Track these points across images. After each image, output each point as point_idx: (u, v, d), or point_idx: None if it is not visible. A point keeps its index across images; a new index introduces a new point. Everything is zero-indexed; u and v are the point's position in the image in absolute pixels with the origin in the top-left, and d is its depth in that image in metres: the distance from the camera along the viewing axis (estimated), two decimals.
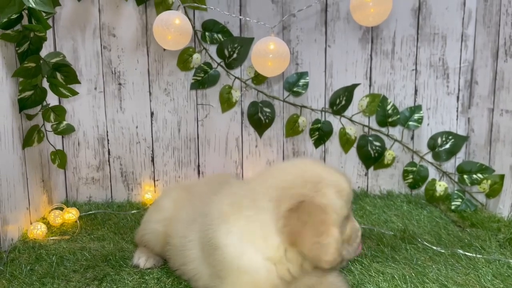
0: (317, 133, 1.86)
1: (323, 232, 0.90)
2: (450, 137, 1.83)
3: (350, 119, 1.86)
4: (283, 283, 0.95)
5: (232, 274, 0.94)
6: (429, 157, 1.86)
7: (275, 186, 0.95)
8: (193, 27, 1.75)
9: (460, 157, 1.88)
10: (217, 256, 0.96)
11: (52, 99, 1.64)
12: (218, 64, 1.81)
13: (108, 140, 1.85)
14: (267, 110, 1.84)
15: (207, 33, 1.78)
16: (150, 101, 1.84)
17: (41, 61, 1.44)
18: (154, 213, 1.30)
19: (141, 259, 1.25)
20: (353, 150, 1.89)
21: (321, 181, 0.96)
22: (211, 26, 1.78)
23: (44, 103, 1.56)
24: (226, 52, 1.79)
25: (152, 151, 1.87)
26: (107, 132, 1.85)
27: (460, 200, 1.71)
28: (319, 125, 1.85)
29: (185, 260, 1.08)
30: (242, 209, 0.96)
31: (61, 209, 1.66)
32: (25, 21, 1.41)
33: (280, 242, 0.92)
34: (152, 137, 1.87)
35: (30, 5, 1.31)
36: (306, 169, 0.99)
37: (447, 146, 1.83)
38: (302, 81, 1.83)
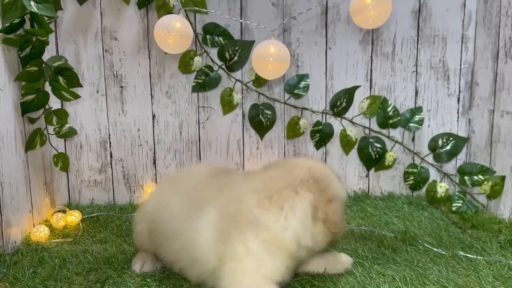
0: (318, 135, 1.87)
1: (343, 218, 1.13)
2: (450, 139, 1.84)
3: (351, 121, 1.86)
4: (296, 262, 1.11)
5: (267, 250, 1.04)
6: (430, 158, 1.86)
7: (308, 179, 1.09)
8: (194, 31, 1.76)
9: (461, 159, 1.88)
10: (257, 234, 1.04)
11: (54, 103, 1.65)
12: (219, 67, 1.82)
13: (110, 142, 1.86)
14: (268, 112, 1.85)
15: (208, 36, 1.79)
16: (152, 104, 1.85)
17: (43, 65, 1.45)
18: (139, 214, 1.31)
19: (136, 265, 1.26)
20: (354, 152, 1.89)
21: (333, 176, 1.16)
22: (212, 29, 1.79)
23: (47, 107, 1.57)
24: (227, 55, 1.80)
25: (154, 153, 1.88)
26: (109, 135, 1.86)
27: (461, 201, 1.71)
28: (320, 127, 1.86)
29: (186, 244, 1.10)
30: (283, 201, 1.07)
31: (64, 211, 1.68)
32: (27, 25, 1.42)
33: (312, 227, 1.07)
34: (153, 139, 1.88)
35: (32, 10, 1.33)
36: (317, 165, 1.16)
37: (448, 147, 1.83)
38: (302, 83, 1.84)
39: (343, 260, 1.22)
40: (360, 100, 1.85)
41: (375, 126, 1.87)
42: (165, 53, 1.80)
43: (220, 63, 1.82)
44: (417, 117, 1.85)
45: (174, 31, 1.47)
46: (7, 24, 1.33)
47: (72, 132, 1.67)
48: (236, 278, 1.02)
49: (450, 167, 1.88)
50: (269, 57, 1.49)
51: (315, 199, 1.07)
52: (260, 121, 1.85)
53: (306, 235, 1.07)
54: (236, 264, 1.03)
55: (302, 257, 1.11)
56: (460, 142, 1.84)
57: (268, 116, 1.85)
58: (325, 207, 1.07)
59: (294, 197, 1.07)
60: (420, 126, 1.85)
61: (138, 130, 1.86)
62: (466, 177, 1.75)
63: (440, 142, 1.84)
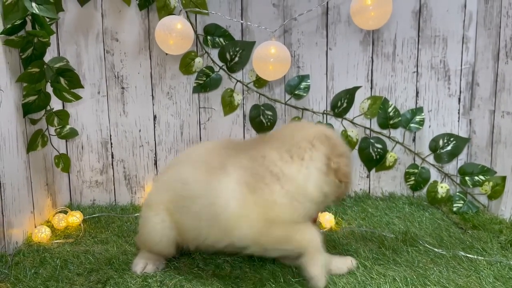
0: None
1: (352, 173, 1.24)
2: (451, 139, 1.84)
3: (351, 122, 1.86)
4: (318, 208, 1.20)
5: (292, 201, 1.13)
6: (430, 159, 1.86)
7: (321, 137, 1.19)
8: (195, 31, 1.77)
9: (461, 159, 1.88)
10: (282, 184, 1.13)
11: (55, 104, 1.65)
12: (220, 67, 1.83)
13: (111, 143, 1.87)
14: (269, 113, 1.85)
15: (209, 37, 1.80)
16: (153, 104, 1.86)
17: (44, 66, 1.45)
18: (147, 211, 1.28)
19: (138, 266, 1.26)
20: (354, 152, 1.89)
21: (339, 136, 1.29)
22: (212, 30, 1.79)
23: (48, 108, 1.57)
24: (227, 56, 1.80)
25: (155, 154, 1.89)
26: (110, 135, 1.86)
27: (462, 202, 1.71)
28: None
29: (208, 201, 1.15)
30: (302, 152, 1.16)
31: (65, 212, 1.68)
32: (28, 26, 1.42)
33: (327, 176, 1.16)
34: (155, 140, 1.88)
35: (34, 11, 1.33)
36: (324, 126, 1.28)
37: (449, 148, 1.84)
38: (303, 84, 1.84)
39: (347, 261, 1.25)
40: (361, 101, 1.86)
41: (375, 127, 1.87)
42: (166, 54, 1.80)
43: (221, 64, 1.82)
44: (417, 118, 1.85)
45: (175, 32, 1.47)
46: (8, 26, 1.34)
47: (73, 133, 1.67)
48: (246, 222, 1.10)
49: (451, 167, 1.88)
50: (269, 58, 1.50)
51: (328, 151, 1.16)
52: (261, 122, 1.86)
53: (325, 183, 1.15)
54: (258, 211, 1.10)
55: (323, 204, 1.19)
56: (460, 143, 1.84)
57: (269, 116, 1.85)
58: (337, 158, 1.16)
59: (312, 148, 1.16)
60: (420, 127, 1.85)
61: (139, 131, 1.87)
62: (467, 178, 1.75)
63: (441, 142, 1.84)
